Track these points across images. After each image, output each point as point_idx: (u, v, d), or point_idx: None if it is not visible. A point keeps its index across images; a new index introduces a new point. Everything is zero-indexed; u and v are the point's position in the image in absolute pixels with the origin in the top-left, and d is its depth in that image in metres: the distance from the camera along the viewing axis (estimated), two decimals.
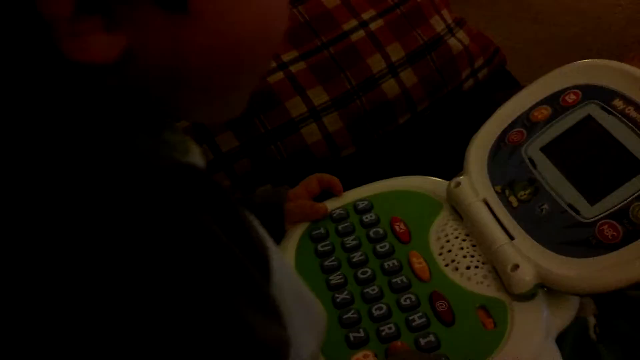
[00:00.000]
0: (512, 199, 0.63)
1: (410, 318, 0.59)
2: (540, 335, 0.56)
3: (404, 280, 0.62)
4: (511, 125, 0.68)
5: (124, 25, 0.34)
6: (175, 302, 0.31)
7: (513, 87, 1.05)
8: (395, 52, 0.94)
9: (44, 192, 0.32)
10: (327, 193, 0.76)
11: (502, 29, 2.28)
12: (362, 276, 0.64)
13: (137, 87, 0.38)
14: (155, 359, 0.31)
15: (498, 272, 0.60)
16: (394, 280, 0.63)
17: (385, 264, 0.64)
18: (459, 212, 0.67)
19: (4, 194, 0.32)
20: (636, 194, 0.55)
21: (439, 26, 0.99)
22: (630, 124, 0.59)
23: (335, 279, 0.64)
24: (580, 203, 0.58)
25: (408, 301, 0.60)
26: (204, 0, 0.35)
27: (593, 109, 0.63)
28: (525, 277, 0.57)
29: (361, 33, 0.93)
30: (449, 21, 1.01)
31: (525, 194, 0.62)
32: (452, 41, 0.99)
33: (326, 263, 0.66)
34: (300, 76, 0.89)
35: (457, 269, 0.62)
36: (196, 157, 0.43)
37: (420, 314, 0.59)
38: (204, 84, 0.40)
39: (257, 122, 0.88)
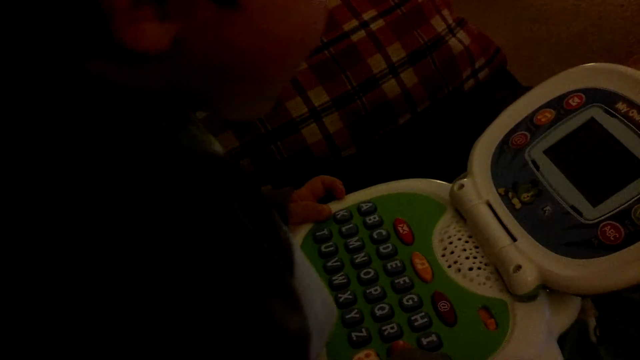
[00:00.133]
0: (515, 201, 0.63)
1: (413, 318, 0.59)
2: (542, 336, 0.56)
3: (407, 280, 0.63)
4: (515, 128, 0.69)
5: (175, 15, 0.35)
6: (199, 288, 0.32)
7: (513, 87, 1.06)
8: (396, 52, 0.94)
9: (79, 172, 0.32)
10: (332, 195, 0.76)
11: (502, 29, 2.29)
12: (364, 277, 0.64)
13: (177, 78, 0.39)
14: (180, 346, 0.31)
15: (500, 273, 0.60)
16: (396, 280, 0.63)
17: (388, 264, 0.65)
18: (462, 214, 0.67)
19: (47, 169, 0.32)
20: (638, 196, 0.56)
21: (440, 26, 0.99)
22: (633, 127, 0.60)
23: (338, 279, 0.65)
24: (583, 205, 0.59)
25: (410, 301, 0.61)
26: None
27: (596, 112, 0.63)
28: (528, 277, 0.57)
29: (362, 33, 0.93)
30: (450, 21, 1.02)
31: (528, 196, 0.63)
32: (452, 41, 0.99)
33: (329, 264, 0.67)
34: (300, 76, 0.90)
35: (459, 270, 0.62)
36: (218, 149, 0.44)
37: (422, 314, 0.59)
38: (243, 78, 0.41)
39: (258, 122, 0.89)
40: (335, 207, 0.74)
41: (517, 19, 2.46)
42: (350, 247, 0.68)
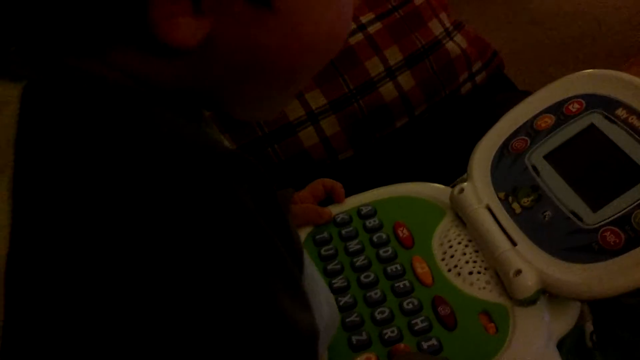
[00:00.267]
0: (515, 205, 0.63)
1: (413, 322, 0.59)
2: (542, 341, 0.56)
3: (407, 284, 0.63)
4: (515, 133, 0.69)
5: (210, 11, 0.36)
6: (211, 283, 0.32)
7: (511, 91, 1.06)
8: (394, 55, 0.94)
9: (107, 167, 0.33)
10: (331, 198, 0.76)
11: (500, 32, 2.30)
12: (365, 280, 0.64)
13: (199, 74, 0.39)
14: (194, 340, 0.31)
15: (500, 277, 0.60)
16: (396, 284, 0.63)
17: (388, 268, 0.65)
18: (462, 218, 0.67)
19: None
20: (638, 201, 0.56)
21: (437, 30, 0.99)
22: (633, 133, 0.60)
23: (338, 282, 0.65)
24: (583, 210, 0.59)
25: (410, 305, 0.61)
26: (288, 0, 0.38)
27: (596, 118, 0.64)
28: (528, 282, 0.57)
29: (359, 36, 0.93)
30: (447, 25, 1.02)
31: (528, 201, 0.63)
32: (450, 45, 0.99)
33: (329, 267, 0.67)
34: None
35: (459, 274, 0.63)
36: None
37: (422, 318, 0.59)
38: (269, 78, 0.42)
39: (255, 125, 0.89)
40: (335, 210, 0.74)
41: (515, 22, 2.47)
42: (350, 250, 0.68)
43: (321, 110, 0.90)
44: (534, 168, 0.65)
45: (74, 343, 0.30)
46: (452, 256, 0.64)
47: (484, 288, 0.61)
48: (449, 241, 0.66)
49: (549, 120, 0.67)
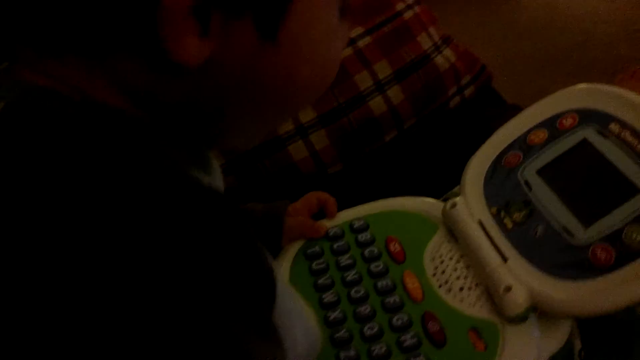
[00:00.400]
0: (507, 220, 0.63)
1: (402, 338, 0.58)
2: (531, 358, 0.56)
3: (397, 300, 0.62)
4: (508, 148, 0.68)
5: (215, 35, 0.36)
6: (176, 320, 0.31)
7: (499, 104, 1.06)
8: (383, 69, 0.94)
9: (82, 190, 0.33)
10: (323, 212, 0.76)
11: (489, 44, 2.31)
12: (355, 295, 0.64)
13: (194, 94, 0.40)
14: None
15: (491, 294, 0.60)
16: (387, 300, 0.62)
17: (379, 283, 0.64)
18: (454, 233, 0.67)
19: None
20: (630, 217, 0.55)
21: (426, 44, 0.99)
22: (625, 148, 0.59)
23: (328, 297, 0.64)
24: (575, 226, 0.58)
25: (400, 321, 0.60)
26: (292, 36, 0.39)
27: (589, 133, 0.63)
28: (518, 299, 0.57)
29: (349, 50, 0.94)
30: (436, 39, 1.02)
31: (520, 216, 0.62)
32: (439, 59, 0.99)
33: (320, 281, 0.66)
34: None
35: (450, 290, 0.62)
36: (217, 176, 0.46)
37: (412, 334, 0.59)
38: (263, 106, 0.43)
39: None
40: (327, 223, 0.73)
41: (504, 34, 2.48)
42: (342, 264, 0.67)
43: (311, 124, 0.90)
44: (527, 183, 0.64)
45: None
46: (443, 272, 0.64)
47: (474, 304, 0.60)
48: (441, 256, 0.65)
49: (542, 134, 0.67)
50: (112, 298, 0.31)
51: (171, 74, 0.38)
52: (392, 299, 0.62)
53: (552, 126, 0.66)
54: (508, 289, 0.57)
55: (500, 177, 0.67)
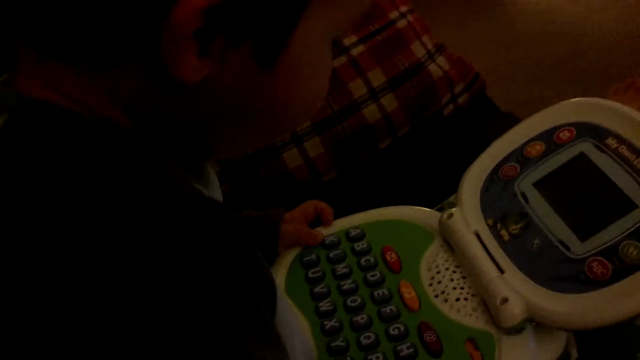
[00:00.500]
0: (504, 232, 0.63)
1: (398, 348, 0.59)
2: None
3: (393, 309, 0.62)
4: (505, 160, 0.69)
5: (214, 56, 0.37)
6: (177, 327, 0.32)
7: (493, 112, 1.07)
8: (377, 77, 0.95)
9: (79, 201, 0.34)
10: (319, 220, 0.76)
11: (483, 52, 2.32)
12: (351, 304, 0.64)
13: (187, 108, 0.41)
14: None
15: (487, 305, 0.60)
16: (383, 309, 0.63)
17: (375, 292, 0.64)
18: (450, 244, 0.67)
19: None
20: (626, 232, 0.56)
21: (420, 52, 1.00)
22: (622, 163, 0.60)
23: (324, 305, 0.64)
24: (571, 239, 0.59)
25: (397, 331, 0.60)
26: (289, 66, 0.40)
27: (586, 147, 0.64)
28: (514, 310, 0.57)
29: (343, 59, 0.94)
30: (430, 47, 1.03)
31: (516, 228, 0.63)
32: (432, 67, 1.00)
33: (316, 290, 0.66)
34: None
35: (446, 300, 0.62)
36: (215, 187, 0.47)
37: (408, 344, 0.59)
38: (258, 125, 0.45)
39: None
40: (324, 232, 0.73)
41: (498, 42, 2.50)
42: (338, 273, 0.68)
43: (305, 132, 0.90)
44: (523, 195, 0.65)
45: None
46: (439, 282, 0.64)
47: (471, 315, 0.60)
48: (437, 266, 0.66)
49: (539, 147, 0.67)
50: (117, 306, 0.31)
51: (169, 89, 0.38)
52: (388, 309, 0.62)
53: (550, 139, 0.67)
54: (504, 300, 0.58)
55: (497, 188, 0.67)
